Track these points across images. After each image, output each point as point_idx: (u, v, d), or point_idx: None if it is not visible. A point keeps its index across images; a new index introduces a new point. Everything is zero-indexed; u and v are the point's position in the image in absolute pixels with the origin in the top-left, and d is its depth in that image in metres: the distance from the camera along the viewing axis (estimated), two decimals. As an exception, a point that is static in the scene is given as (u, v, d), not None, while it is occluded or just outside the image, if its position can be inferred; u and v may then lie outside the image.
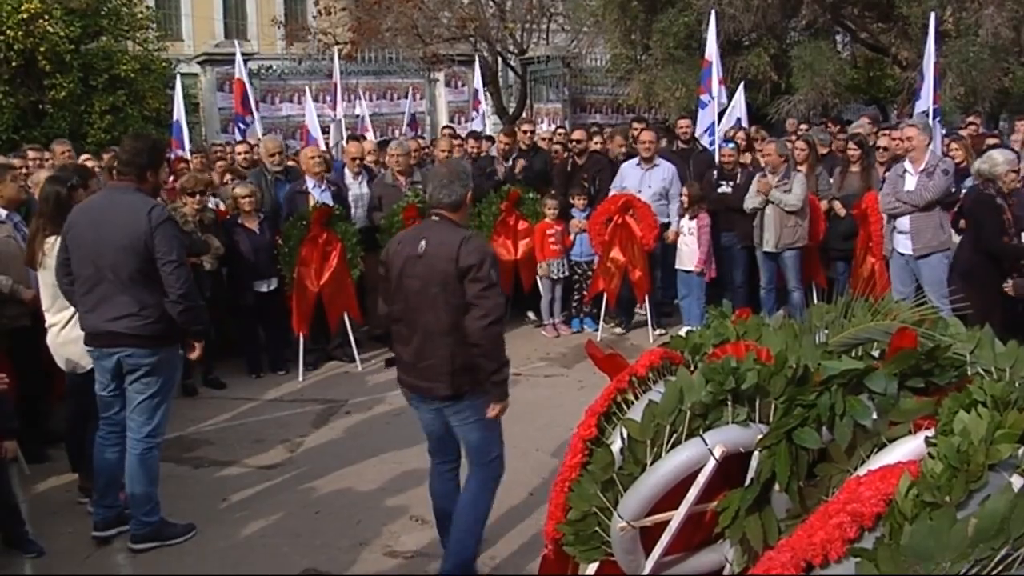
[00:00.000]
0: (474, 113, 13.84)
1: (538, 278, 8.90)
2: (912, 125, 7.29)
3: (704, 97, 10.06)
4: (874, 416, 2.57)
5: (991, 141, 8.66)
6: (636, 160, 8.76)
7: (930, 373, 2.64)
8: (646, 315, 8.69)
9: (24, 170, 7.38)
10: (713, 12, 10.62)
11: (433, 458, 4.33)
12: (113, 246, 4.39)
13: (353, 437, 6.31)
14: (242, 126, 11.81)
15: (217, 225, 7.47)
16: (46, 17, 14.24)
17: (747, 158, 9.01)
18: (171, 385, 4.72)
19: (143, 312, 4.43)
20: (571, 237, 8.81)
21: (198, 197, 7.20)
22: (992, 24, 12.59)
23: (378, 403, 6.99)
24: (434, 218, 4.05)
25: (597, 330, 8.79)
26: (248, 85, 11.72)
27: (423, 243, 3.94)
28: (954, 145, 8.22)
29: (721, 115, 10.18)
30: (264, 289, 7.68)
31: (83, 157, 8.63)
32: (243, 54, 14.42)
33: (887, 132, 8.89)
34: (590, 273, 8.82)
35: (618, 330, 8.92)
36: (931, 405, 2.52)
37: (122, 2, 16.56)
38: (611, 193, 8.67)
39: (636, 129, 9.17)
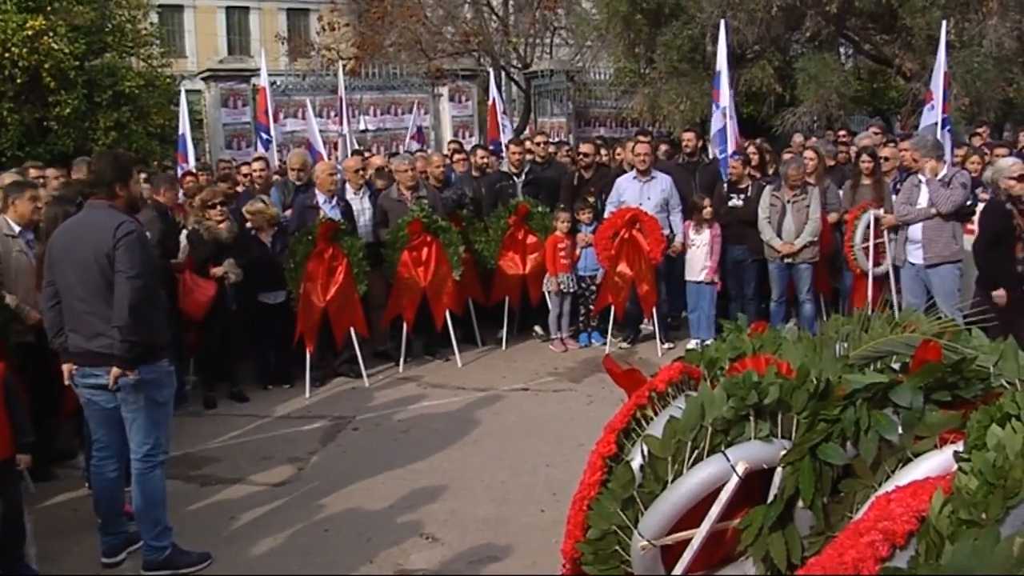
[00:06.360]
0: (504, 121, 13.53)
1: (546, 292, 8.85)
2: (905, 142, 7.61)
3: (714, 105, 10.07)
4: (899, 430, 2.52)
5: (1000, 151, 8.68)
6: (632, 174, 8.69)
7: (956, 386, 2.59)
8: (653, 329, 8.65)
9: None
10: (723, 22, 10.61)
11: None
12: (80, 263, 4.33)
13: (361, 453, 6.25)
14: (264, 136, 11.89)
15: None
16: (51, 34, 14.23)
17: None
18: (161, 403, 4.53)
19: (112, 332, 4.27)
20: (577, 251, 8.76)
21: (218, 208, 7.26)
22: (996, 34, 12.56)
23: (386, 419, 6.95)
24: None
25: (605, 344, 8.74)
26: (268, 96, 11.84)
27: None
28: (974, 158, 8.28)
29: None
30: (272, 301, 7.66)
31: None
32: (247, 70, 14.48)
33: (893, 143, 8.91)
34: (594, 288, 8.78)
35: (625, 344, 8.86)
36: (958, 419, 2.47)
37: (126, 19, 16.58)
38: (608, 208, 8.62)
39: (632, 142, 9.09)
